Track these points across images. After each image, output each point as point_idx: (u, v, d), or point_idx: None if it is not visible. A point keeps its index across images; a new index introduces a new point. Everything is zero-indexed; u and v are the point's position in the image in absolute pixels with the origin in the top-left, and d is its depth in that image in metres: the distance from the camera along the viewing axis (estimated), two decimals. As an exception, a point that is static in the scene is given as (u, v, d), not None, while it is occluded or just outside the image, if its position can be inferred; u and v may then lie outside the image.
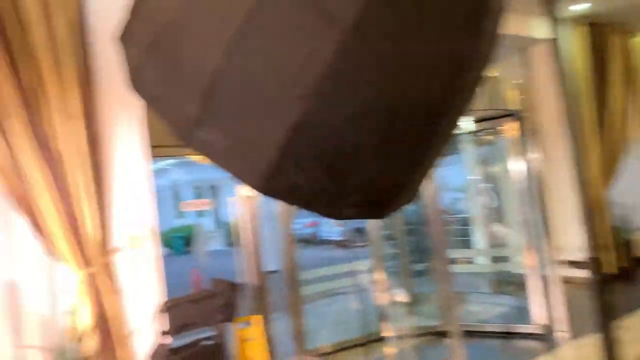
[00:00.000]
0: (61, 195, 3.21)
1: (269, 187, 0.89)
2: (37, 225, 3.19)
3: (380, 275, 5.07)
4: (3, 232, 3.20)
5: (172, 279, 3.84)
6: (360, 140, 0.87)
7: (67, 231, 3.22)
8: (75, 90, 3.31)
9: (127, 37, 1.00)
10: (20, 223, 3.20)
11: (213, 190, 20.00)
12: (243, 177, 0.92)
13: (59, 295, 3.30)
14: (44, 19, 3.22)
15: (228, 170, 0.94)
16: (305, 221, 16.29)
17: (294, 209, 4.38)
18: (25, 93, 3.13)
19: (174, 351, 3.21)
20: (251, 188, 0.90)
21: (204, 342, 3.27)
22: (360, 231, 12.58)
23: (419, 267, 5.95)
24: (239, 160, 0.91)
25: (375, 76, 0.84)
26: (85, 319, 3.25)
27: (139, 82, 0.97)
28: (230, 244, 16.98)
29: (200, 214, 19.93)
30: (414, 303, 5.75)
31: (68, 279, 3.30)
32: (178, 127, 0.91)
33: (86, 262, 3.29)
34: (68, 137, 3.26)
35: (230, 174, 0.94)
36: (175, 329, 3.25)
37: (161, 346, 3.17)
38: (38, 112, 3.17)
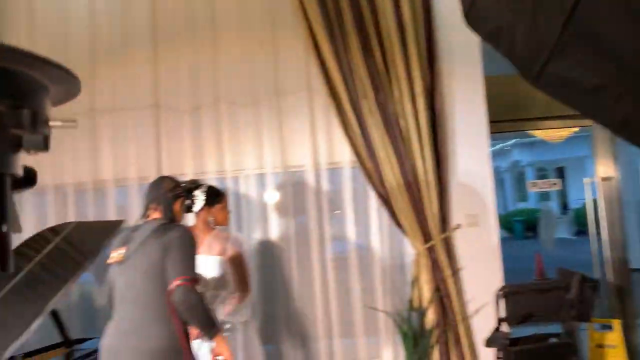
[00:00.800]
0: (405, 170, 3.35)
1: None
2: (384, 198, 3.42)
3: None
4: (360, 200, 3.57)
5: (510, 263, 3.58)
6: None
7: (410, 206, 3.34)
8: (420, 69, 3.38)
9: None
10: (373, 194, 3.50)
11: (558, 173, 18.28)
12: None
13: (405, 266, 3.47)
14: (393, 6, 3.38)
15: (594, 117, 0.66)
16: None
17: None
18: (376, 75, 3.37)
19: (514, 342, 2.96)
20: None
21: (550, 339, 2.90)
22: None
23: None
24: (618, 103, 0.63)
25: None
26: (425, 291, 3.32)
27: (478, 16, 0.79)
28: (577, 232, 15.25)
29: (545, 197, 18.55)
30: None
31: (411, 251, 3.44)
32: (526, 62, 0.69)
33: (426, 237, 3.36)
34: (413, 115, 3.36)
35: (598, 122, 0.66)
36: (516, 318, 2.99)
37: (500, 333, 2.97)
38: (387, 92, 3.37)
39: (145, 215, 2.40)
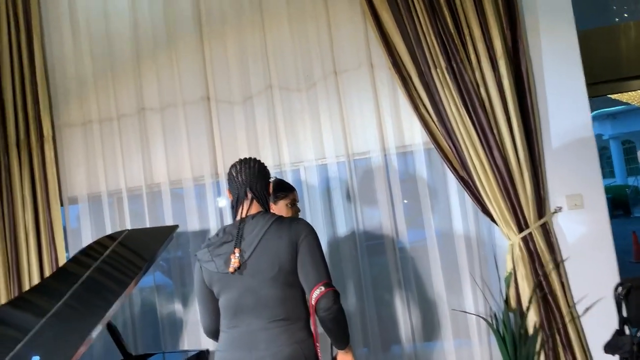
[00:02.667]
0: (490, 147, 2.86)
1: None
2: (466, 182, 2.95)
3: None
4: (438, 186, 3.12)
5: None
6: None
7: (498, 189, 2.86)
8: (499, 27, 2.87)
9: None
10: (453, 179, 3.04)
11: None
12: None
13: (496, 260, 2.99)
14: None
15: None
16: None
17: None
18: (447, 39, 2.90)
19: (643, 346, 2.41)
20: None
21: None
22: None
23: None
24: None
25: None
26: (524, 288, 2.83)
27: None
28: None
29: (634, 172, 16.99)
30: None
31: (503, 242, 2.95)
32: None
33: (520, 224, 2.86)
34: (494, 82, 2.87)
35: None
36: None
37: (625, 337, 2.43)
38: (462, 58, 2.89)
39: (238, 208, 1.95)
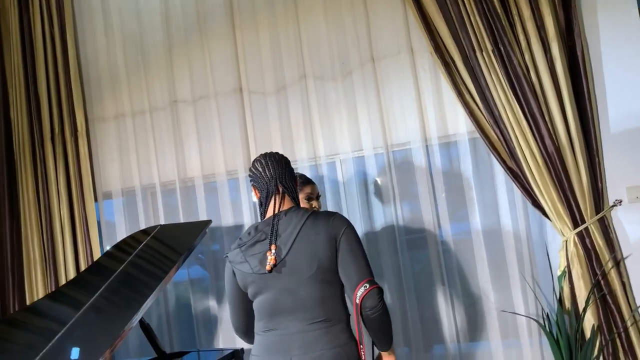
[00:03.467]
0: (542, 135, 2.65)
1: None
2: (515, 174, 2.75)
3: None
4: (484, 179, 2.93)
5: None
6: None
7: (551, 180, 2.65)
8: (551, 5, 2.65)
9: None
10: (500, 170, 2.85)
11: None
12: None
13: (549, 257, 2.78)
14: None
15: None
16: None
17: None
18: (494, 20, 2.70)
19: None
20: None
21: None
22: None
23: None
24: None
25: None
26: (580, 288, 2.61)
27: None
28: None
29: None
30: None
31: (556, 238, 2.74)
32: None
33: (576, 219, 2.64)
34: (546, 66, 2.65)
35: None
36: None
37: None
38: (510, 40, 2.68)
39: (268, 204, 1.83)
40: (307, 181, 2.41)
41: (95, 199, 3.44)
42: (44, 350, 2.00)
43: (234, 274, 1.84)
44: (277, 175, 1.83)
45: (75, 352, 2.01)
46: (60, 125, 3.43)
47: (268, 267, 1.73)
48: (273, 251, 1.74)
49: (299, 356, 1.69)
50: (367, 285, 1.69)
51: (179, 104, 3.36)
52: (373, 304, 1.69)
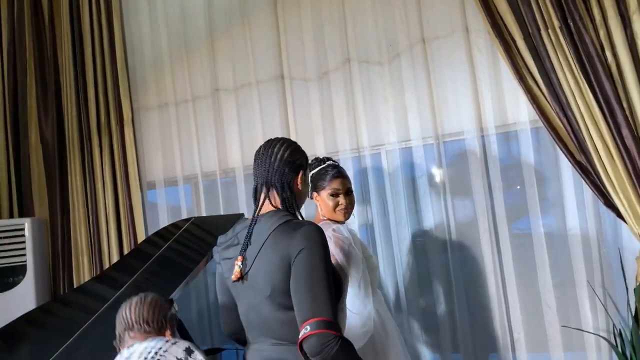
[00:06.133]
0: (618, 125, 2.29)
1: None
2: (585, 169, 2.40)
3: None
4: (549, 173, 2.60)
5: None
6: None
7: (628, 177, 2.28)
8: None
9: None
10: (567, 164, 2.51)
11: None
12: None
13: (624, 264, 2.41)
14: None
15: None
16: None
17: None
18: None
19: None
20: None
21: None
22: None
23: None
24: None
25: None
26: (660, 303, 2.25)
27: None
28: None
29: None
30: None
31: (633, 244, 2.38)
32: None
33: (657, 222, 2.27)
34: (625, 44, 2.28)
35: None
36: None
37: None
38: (582, 15, 2.33)
39: (254, 202, 1.63)
40: (335, 175, 2.17)
41: (141, 189, 3.42)
42: (86, 324, 2.10)
43: (218, 271, 1.72)
44: (264, 173, 1.59)
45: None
46: (106, 114, 3.43)
47: (233, 277, 1.55)
48: (239, 263, 1.54)
49: None
50: (308, 328, 1.36)
51: (221, 92, 3.25)
52: (312, 351, 1.36)
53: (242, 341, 1.70)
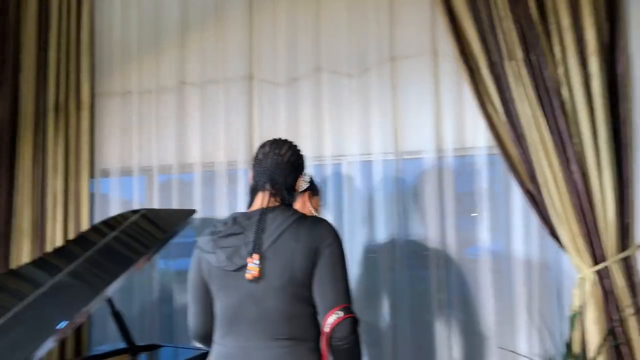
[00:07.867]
0: (568, 159, 2.38)
1: None
2: (534, 198, 2.49)
3: None
4: (499, 199, 2.68)
5: None
6: None
7: (573, 209, 2.37)
8: (594, 16, 2.38)
9: None
10: (517, 192, 2.59)
11: None
12: None
13: (561, 294, 2.51)
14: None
15: None
16: None
17: None
18: (528, 26, 2.44)
19: None
20: None
21: None
22: None
23: None
24: None
25: None
26: (592, 333, 2.33)
27: None
28: None
29: None
30: None
31: (572, 274, 2.46)
32: None
33: (595, 255, 2.36)
34: (581, 82, 2.38)
35: None
36: None
37: None
38: (543, 50, 2.42)
39: (254, 197, 1.66)
40: (318, 192, 2.36)
41: (93, 176, 3.33)
42: (13, 310, 2.10)
43: (200, 262, 1.64)
44: (271, 172, 1.62)
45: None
46: (65, 96, 3.33)
47: (249, 276, 1.52)
48: (256, 262, 1.52)
49: None
50: (341, 313, 1.50)
51: (187, 86, 3.21)
52: (343, 335, 1.50)
53: (210, 342, 1.66)
